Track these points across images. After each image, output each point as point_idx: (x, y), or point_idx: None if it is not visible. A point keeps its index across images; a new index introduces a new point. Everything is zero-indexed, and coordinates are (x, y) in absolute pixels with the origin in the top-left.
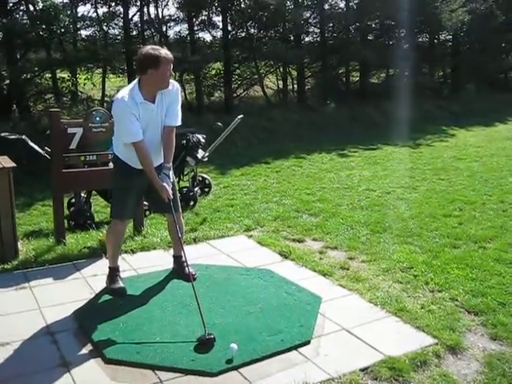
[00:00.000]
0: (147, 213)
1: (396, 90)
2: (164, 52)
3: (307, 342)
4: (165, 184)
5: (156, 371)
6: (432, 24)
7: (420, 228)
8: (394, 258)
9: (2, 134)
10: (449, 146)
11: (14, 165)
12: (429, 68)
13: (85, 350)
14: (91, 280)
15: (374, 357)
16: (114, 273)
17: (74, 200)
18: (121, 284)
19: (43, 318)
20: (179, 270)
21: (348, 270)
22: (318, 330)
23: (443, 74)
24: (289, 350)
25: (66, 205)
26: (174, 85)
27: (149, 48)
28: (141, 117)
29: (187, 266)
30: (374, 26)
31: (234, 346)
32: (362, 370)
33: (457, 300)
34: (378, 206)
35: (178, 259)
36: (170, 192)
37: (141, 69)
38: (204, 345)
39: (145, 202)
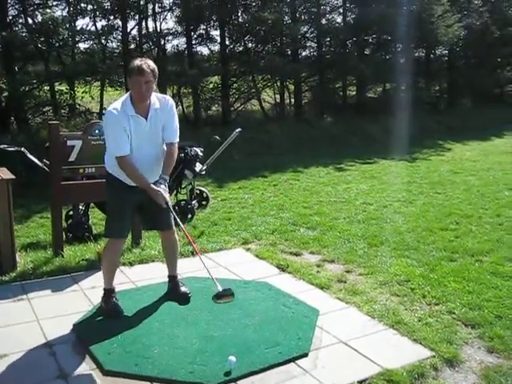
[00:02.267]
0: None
1: (393, 104)
2: (139, 63)
3: (305, 355)
4: (159, 189)
5: (154, 383)
6: (428, 39)
7: (417, 241)
8: (391, 272)
9: (1, 146)
10: (445, 160)
11: (12, 177)
12: (425, 82)
13: (83, 362)
14: (89, 292)
15: (372, 369)
16: (109, 294)
17: (72, 212)
18: (116, 303)
19: (41, 330)
20: (175, 291)
21: (345, 283)
22: (315, 343)
23: (439, 89)
24: (287, 362)
25: (64, 217)
26: (168, 100)
27: (138, 58)
28: (132, 131)
29: (183, 285)
30: (370, 40)
31: (232, 358)
32: (360, 382)
33: (454, 313)
34: (374, 219)
35: (173, 279)
36: (167, 196)
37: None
38: (223, 294)
39: None
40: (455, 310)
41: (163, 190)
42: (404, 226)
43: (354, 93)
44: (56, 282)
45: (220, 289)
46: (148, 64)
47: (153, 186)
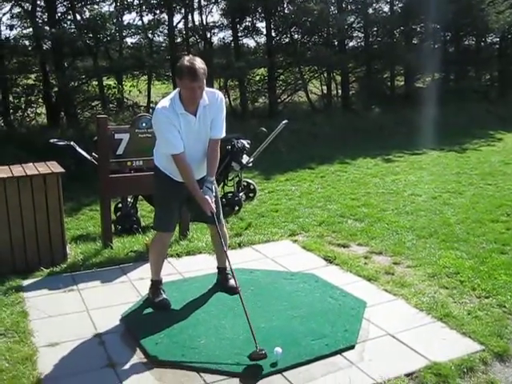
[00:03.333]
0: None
1: (442, 94)
2: (191, 64)
3: (352, 347)
4: (207, 197)
5: (201, 373)
6: (478, 27)
7: (467, 233)
8: (439, 264)
9: (51, 141)
10: (496, 151)
11: (62, 170)
12: (475, 71)
13: (131, 352)
14: (138, 283)
15: (420, 362)
16: (157, 285)
17: (120, 205)
18: (164, 296)
19: (91, 320)
20: (223, 283)
21: (393, 275)
22: (362, 335)
23: (490, 78)
24: (333, 354)
25: (112, 209)
26: (218, 96)
27: (186, 58)
28: (182, 128)
29: (232, 277)
30: (418, 29)
31: (278, 349)
32: (407, 375)
33: (504, 306)
34: (423, 211)
35: (222, 271)
36: (213, 205)
37: (176, 78)
38: (256, 360)
39: None
40: (506, 303)
41: (210, 197)
42: (453, 217)
43: (402, 83)
44: (105, 273)
45: (258, 347)
46: (200, 67)
47: (200, 193)
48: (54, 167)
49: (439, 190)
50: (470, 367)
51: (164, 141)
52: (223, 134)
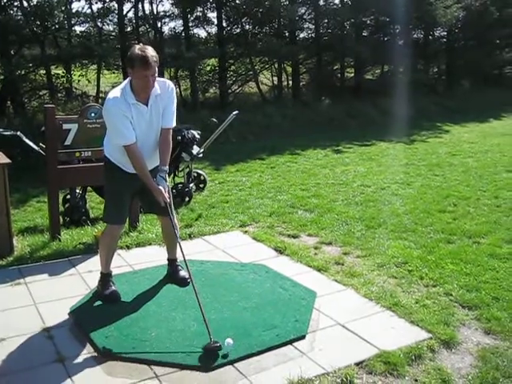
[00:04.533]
0: (142, 209)
1: (391, 86)
2: (143, 52)
3: (302, 337)
4: (161, 187)
5: (152, 366)
6: (427, 20)
7: (415, 223)
8: (388, 254)
9: None
10: (443, 142)
11: (8, 161)
12: (424, 64)
13: (80, 346)
14: (86, 276)
15: (369, 351)
16: (106, 278)
17: (69, 196)
18: (114, 289)
19: (39, 314)
20: (174, 274)
21: (343, 265)
22: (312, 325)
23: (438, 71)
24: (284, 344)
25: (61, 201)
26: (168, 85)
27: (137, 47)
28: (134, 118)
29: (183, 269)
30: (368, 22)
31: (229, 340)
32: (357, 364)
33: (451, 295)
34: (372, 201)
35: (173, 262)
36: (167, 195)
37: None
38: (210, 352)
39: None
40: (452, 291)
41: (164, 187)
42: (402, 208)
43: (352, 75)
44: (53, 265)
45: (212, 339)
46: (152, 55)
47: (154, 183)
48: (0, 158)
49: (388, 181)
50: (418, 355)
51: (115, 132)
52: (174, 124)
